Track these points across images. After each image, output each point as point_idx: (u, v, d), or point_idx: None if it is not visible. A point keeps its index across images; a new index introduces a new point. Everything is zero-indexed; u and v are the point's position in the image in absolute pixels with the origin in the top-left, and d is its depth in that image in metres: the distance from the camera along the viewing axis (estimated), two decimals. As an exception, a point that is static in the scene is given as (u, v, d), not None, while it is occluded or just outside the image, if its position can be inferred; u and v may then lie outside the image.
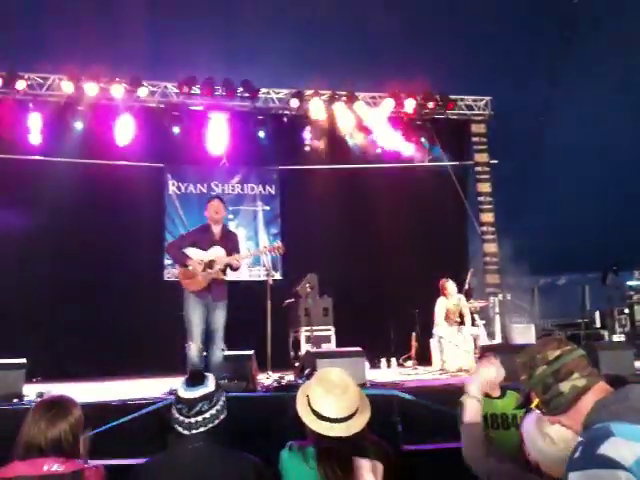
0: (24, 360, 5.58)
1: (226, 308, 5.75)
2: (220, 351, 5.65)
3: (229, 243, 5.83)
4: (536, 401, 1.89)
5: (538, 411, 1.94)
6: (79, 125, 9.57)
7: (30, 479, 2.24)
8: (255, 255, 7.28)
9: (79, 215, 9.16)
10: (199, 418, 2.29)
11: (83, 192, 9.19)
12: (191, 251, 5.68)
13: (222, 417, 2.37)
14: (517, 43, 10.68)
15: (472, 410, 2.50)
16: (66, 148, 9.47)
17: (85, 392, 5.51)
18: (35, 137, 9.34)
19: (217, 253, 5.66)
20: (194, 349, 5.59)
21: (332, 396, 2.32)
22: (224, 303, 5.75)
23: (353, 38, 10.30)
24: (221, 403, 2.38)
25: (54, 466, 2.27)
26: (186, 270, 5.65)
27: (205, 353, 5.70)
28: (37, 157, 9.35)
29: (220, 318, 5.69)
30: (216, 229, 5.83)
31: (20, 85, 9.34)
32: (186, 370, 5.37)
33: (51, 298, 9.03)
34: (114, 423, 4.35)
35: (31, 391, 5.44)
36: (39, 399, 2.88)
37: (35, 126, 9.35)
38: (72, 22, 9.15)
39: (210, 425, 2.31)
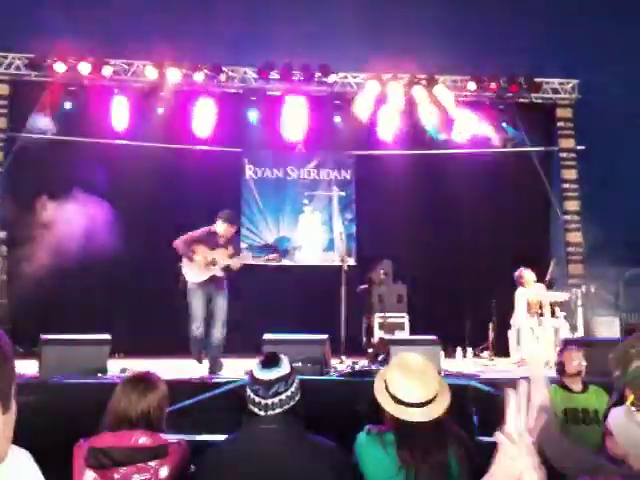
0: (108, 336, 5.81)
1: (227, 297, 6.70)
2: (220, 334, 6.59)
3: (230, 247, 6.77)
4: (631, 397, 1.77)
5: (634, 408, 1.82)
6: (161, 110, 9.84)
7: (119, 450, 2.32)
8: (251, 263, 7.66)
9: (158, 198, 9.43)
10: (275, 399, 2.29)
11: (163, 175, 9.44)
12: (199, 248, 6.59)
13: (297, 399, 2.36)
14: (611, 24, 10.10)
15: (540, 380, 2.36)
16: (148, 132, 9.77)
17: (166, 369, 5.68)
18: (120, 122, 9.66)
19: (221, 254, 6.61)
20: (195, 331, 6.55)
21: (410, 380, 2.30)
22: (225, 292, 6.71)
23: (431, 19, 10.04)
24: (295, 385, 2.37)
25: (141, 439, 2.35)
26: (191, 263, 6.56)
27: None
28: (121, 141, 9.67)
29: (222, 305, 6.65)
30: (222, 237, 6.73)
31: (106, 71, 9.67)
32: (192, 351, 6.65)
33: (131, 278, 9.36)
34: (194, 400, 4.46)
35: (114, 366, 5.65)
36: (124, 374, 2.98)
37: (120, 111, 9.67)
38: (157, 9, 9.37)
39: (286, 406, 2.30)
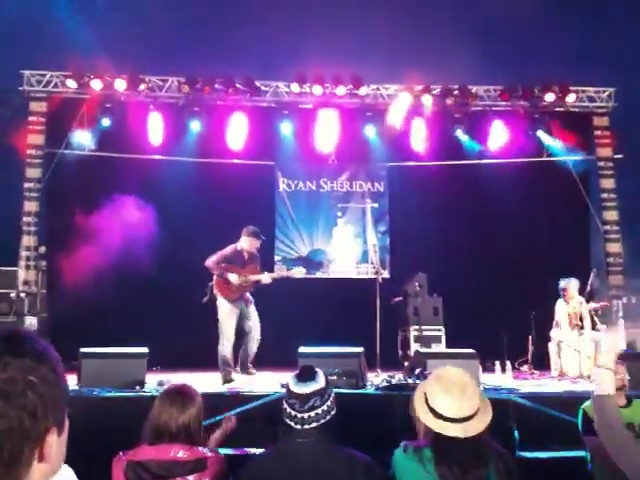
0: (146, 349, 5.86)
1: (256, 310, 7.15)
2: (256, 342, 7.05)
3: (256, 263, 7.23)
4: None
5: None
6: (195, 125, 9.98)
7: (158, 464, 2.33)
8: (281, 277, 7.78)
9: (193, 212, 9.48)
10: (312, 413, 2.28)
11: (197, 190, 9.53)
12: (231, 267, 6.97)
13: (333, 413, 2.34)
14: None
15: (607, 381, 2.27)
16: (183, 147, 9.92)
17: (200, 382, 5.70)
18: (155, 137, 9.82)
19: (250, 270, 7.07)
20: (228, 346, 6.87)
21: (450, 395, 2.25)
22: (253, 305, 7.16)
23: (463, 28, 9.99)
24: (332, 399, 2.36)
25: (180, 452, 2.35)
26: (225, 280, 6.92)
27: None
28: (157, 157, 9.82)
29: (256, 319, 7.11)
30: (247, 253, 7.13)
31: (141, 87, 9.85)
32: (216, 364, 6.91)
33: (169, 292, 9.45)
34: (230, 413, 4.46)
35: (152, 379, 5.70)
36: (162, 387, 2.99)
37: (155, 126, 9.83)
38: (189, 25, 9.54)
39: (322, 420, 2.29)
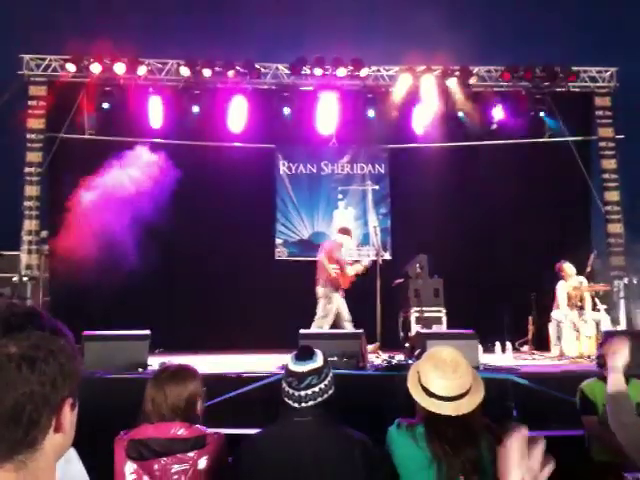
0: (148, 332, 5.91)
1: None
2: (352, 325, 7.54)
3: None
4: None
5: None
6: (195, 108, 9.95)
7: (159, 441, 2.36)
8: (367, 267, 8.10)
9: (193, 195, 9.48)
10: (308, 391, 2.31)
11: (198, 173, 9.50)
12: (338, 261, 7.71)
13: (330, 392, 2.37)
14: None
15: (619, 381, 2.34)
16: (183, 130, 9.89)
17: (203, 364, 5.75)
18: (155, 120, 9.80)
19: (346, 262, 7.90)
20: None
21: (442, 373, 2.29)
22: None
23: (464, 10, 9.91)
24: (329, 379, 2.38)
25: (179, 430, 2.38)
26: (342, 274, 7.69)
27: None
28: (157, 140, 9.79)
29: (346, 307, 7.76)
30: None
31: (141, 71, 9.81)
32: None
33: (170, 275, 9.50)
34: (231, 394, 4.51)
35: (154, 362, 5.74)
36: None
37: (155, 109, 9.80)
38: (189, 8, 9.47)
39: (319, 399, 2.32)
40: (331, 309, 7.62)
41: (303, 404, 2.31)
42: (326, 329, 7.37)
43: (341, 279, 7.73)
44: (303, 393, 2.31)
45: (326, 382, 2.36)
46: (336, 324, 7.65)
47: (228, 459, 2.45)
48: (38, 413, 0.95)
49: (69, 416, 1.01)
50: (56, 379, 0.97)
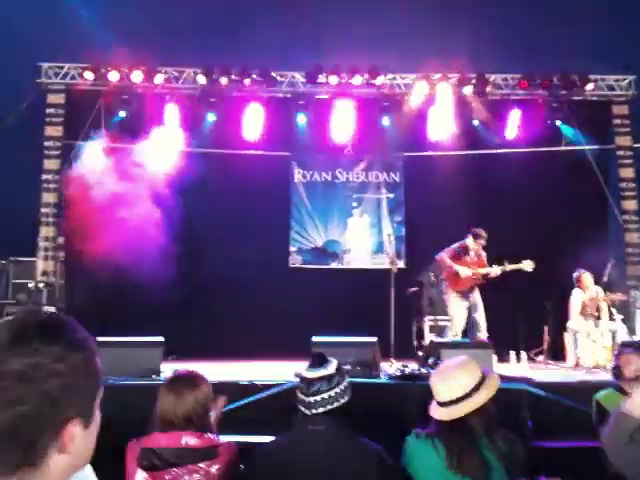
0: (162, 338, 5.92)
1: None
2: (484, 333, 7.36)
3: (482, 258, 7.75)
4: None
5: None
6: (211, 116, 10.00)
7: (170, 451, 2.34)
8: (506, 270, 7.81)
9: (209, 202, 9.53)
10: (317, 397, 2.30)
11: (213, 180, 9.53)
12: (459, 261, 7.62)
13: (343, 401, 2.35)
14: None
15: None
16: (199, 138, 9.95)
17: (218, 371, 5.75)
18: (173, 128, 9.85)
19: (479, 264, 7.69)
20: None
21: (439, 379, 2.37)
22: (479, 295, 7.61)
23: (480, 18, 9.86)
24: (341, 387, 2.36)
25: (191, 440, 2.36)
26: (454, 273, 7.52)
27: None
28: (174, 147, 9.84)
29: (482, 310, 7.56)
30: (473, 250, 7.70)
31: (158, 79, 9.89)
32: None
33: (185, 282, 9.51)
34: (244, 401, 4.50)
35: (168, 369, 5.75)
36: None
37: (172, 117, 9.86)
38: (206, 16, 9.54)
39: (329, 406, 2.30)
40: (450, 312, 7.79)
41: (313, 410, 2.30)
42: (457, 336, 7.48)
43: (448, 279, 7.77)
44: (312, 399, 2.30)
45: (337, 390, 2.33)
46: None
47: (240, 468, 2.44)
48: (37, 434, 0.92)
49: (79, 437, 0.97)
50: (59, 399, 0.94)
